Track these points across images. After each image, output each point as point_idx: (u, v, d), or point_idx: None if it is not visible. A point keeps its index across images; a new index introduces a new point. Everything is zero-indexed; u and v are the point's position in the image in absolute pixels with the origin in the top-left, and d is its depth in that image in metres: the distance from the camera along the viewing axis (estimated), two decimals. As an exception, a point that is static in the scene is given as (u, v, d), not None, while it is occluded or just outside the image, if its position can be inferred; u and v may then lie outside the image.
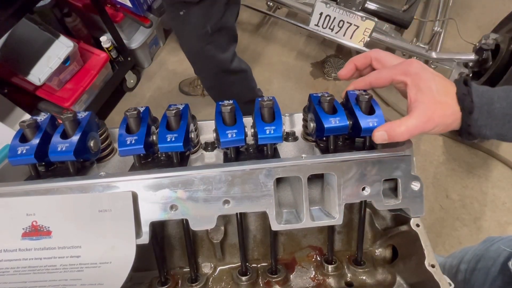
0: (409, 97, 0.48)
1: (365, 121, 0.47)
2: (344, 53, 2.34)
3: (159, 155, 0.54)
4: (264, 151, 0.53)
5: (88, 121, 0.50)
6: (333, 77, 2.25)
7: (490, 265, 0.75)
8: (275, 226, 0.46)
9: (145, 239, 0.45)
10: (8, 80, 1.69)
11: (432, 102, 0.46)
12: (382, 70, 0.51)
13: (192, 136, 0.52)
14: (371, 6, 1.72)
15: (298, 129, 0.61)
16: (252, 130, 0.50)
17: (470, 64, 1.84)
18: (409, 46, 1.82)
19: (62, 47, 1.61)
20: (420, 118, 0.46)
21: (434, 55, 1.83)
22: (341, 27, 1.70)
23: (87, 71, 1.80)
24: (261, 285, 0.53)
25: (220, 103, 0.51)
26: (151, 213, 0.45)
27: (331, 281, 0.54)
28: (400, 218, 0.52)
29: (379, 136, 0.46)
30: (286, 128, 0.61)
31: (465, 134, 0.48)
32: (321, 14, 1.69)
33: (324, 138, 0.54)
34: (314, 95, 0.53)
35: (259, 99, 0.51)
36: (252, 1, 2.24)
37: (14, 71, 1.61)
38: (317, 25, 1.74)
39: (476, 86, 0.47)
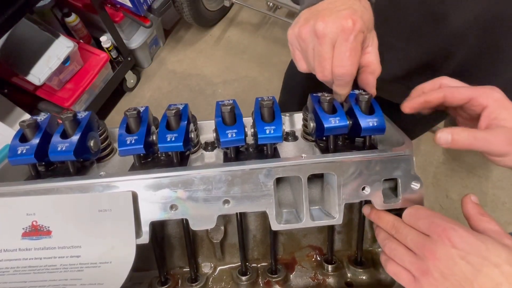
0: (484, 116, 0.44)
1: (365, 121, 0.48)
2: (344, 53, 2.33)
3: (159, 155, 0.54)
4: (264, 151, 0.53)
5: (88, 121, 0.50)
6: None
7: None
8: (275, 226, 0.46)
9: (145, 239, 0.45)
10: (8, 80, 1.69)
11: None
12: (460, 87, 0.47)
13: (192, 136, 0.52)
14: (371, 6, 1.71)
15: (298, 129, 0.61)
16: (252, 130, 0.50)
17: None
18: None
19: (62, 47, 1.60)
20: (495, 135, 0.43)
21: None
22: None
23: (87, 71, 1.80)
24: (261, 285, 0.53)
25: (220, 103, 0.51)
26: (151, 213, 0.45)
27: (331, 281, 0.54)
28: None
29: (443, 137, 0.43)
30: (286, 128, 0.61)
31: None
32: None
33: (324, 138, 0.54)
34: (314, 95, 0.53)
35: (259, 99, 0.51)
36: (252, 1, 2.24)
37: (14, 71, 1.61)
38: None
39: None
